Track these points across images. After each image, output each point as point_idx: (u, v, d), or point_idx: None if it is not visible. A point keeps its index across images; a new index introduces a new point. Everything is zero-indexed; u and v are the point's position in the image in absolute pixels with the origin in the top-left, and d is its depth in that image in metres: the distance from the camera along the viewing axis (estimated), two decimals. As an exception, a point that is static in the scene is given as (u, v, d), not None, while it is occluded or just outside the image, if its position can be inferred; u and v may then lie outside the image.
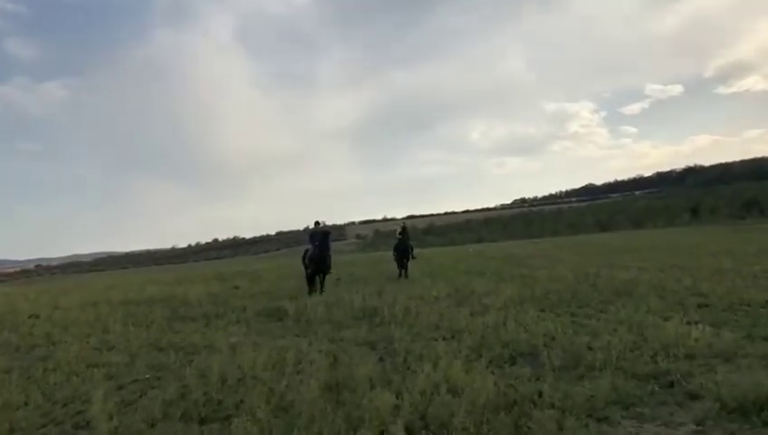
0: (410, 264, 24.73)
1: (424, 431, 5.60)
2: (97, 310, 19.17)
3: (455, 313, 12.87)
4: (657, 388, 6.41)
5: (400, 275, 24.21)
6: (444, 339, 10.25)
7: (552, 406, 5.97)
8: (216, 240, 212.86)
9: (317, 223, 19.79)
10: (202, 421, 6.36)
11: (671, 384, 6.56)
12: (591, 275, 18.72)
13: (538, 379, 7.27)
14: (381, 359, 9.13)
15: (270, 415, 6.11)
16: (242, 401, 6.79)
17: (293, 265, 41.94)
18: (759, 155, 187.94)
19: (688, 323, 9.97)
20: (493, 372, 7.63)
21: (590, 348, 8.58)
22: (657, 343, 8.49)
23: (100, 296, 25.91)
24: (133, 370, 9.29)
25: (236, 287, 24.86)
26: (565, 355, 8.22)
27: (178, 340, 11.92)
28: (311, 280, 19.36)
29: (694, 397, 6.07)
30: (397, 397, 6.45)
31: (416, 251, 26.25)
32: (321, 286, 19.26)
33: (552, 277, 19.06)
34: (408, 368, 8.14)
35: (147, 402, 7.11)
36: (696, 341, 8.30)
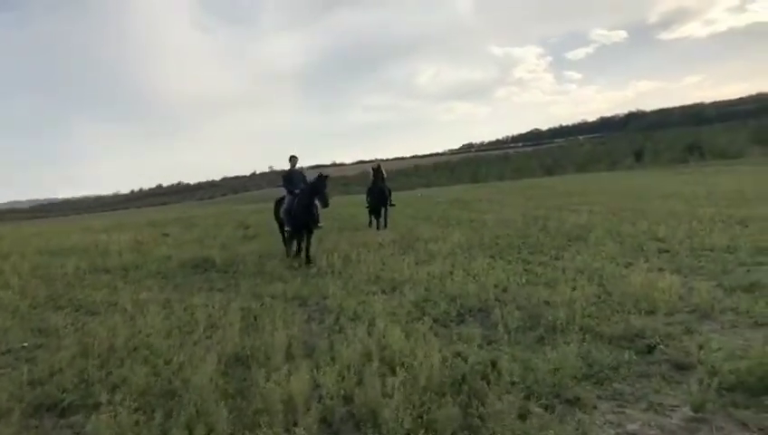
0: (390, 211, 19.64)
1: (343, 425, 4.39)
2: (3, 261, 17.25)
3: (398, 261, 11.69)
4: (634, 355, 5.32)
5: (372, 224, 19.62)
6: (384, 293, 9.08)
7: (511, 383, 4.82)
8: (159, 186, 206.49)
9: (292, 159, 14.05)
10: (62, 412, 4.98)
11: (649, 349, 5.50)
12: (541, 219, 17.80)
13: (490, 343, 6.14)
14: (310, 318, 7.88)
15: (147, 405, 4.79)
16: (123, 382, 5.41)
17: (234, 211, 40.20)
18: (698, 101, 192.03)
19: (651, 270, 9.05)
20: (437, 335, 6.48)
21: (547, 303, 7.51)
22: (622, 296, 7.49)
23: (17, 246, 23.76)
24: (11, 336, 7.76)
25: (166, 235, 23.07)
26: (521, 313, 7.12)
27: (82, 296, 10.37)
28: (290, 239, 13.90)
29: (681, 367, 5.00)
30: (317, 370, 5.22)
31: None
32: (307, 250, 13.21)
33: (500, 221, 18.07)
34: (340, 330, 6.90)
35: (5, 383, 5.63)
36: (665, 292, 7.30)
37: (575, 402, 4.43)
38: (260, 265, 12.58)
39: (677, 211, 17.21)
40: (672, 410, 4.19)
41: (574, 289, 8.03)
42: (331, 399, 4.66)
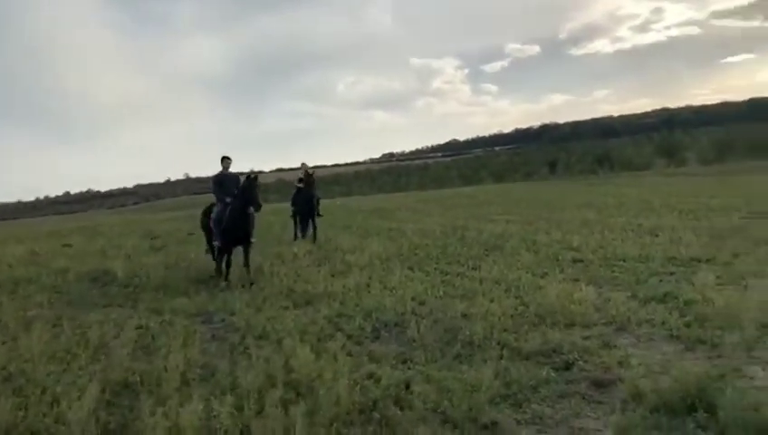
0: (318, 223, 17.41)
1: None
2: None
3: (313, 273, 11.23)
4: (552, 373, 5.08)
5: (299, 236, 17.40)
6: (297, 307, 8.62)
7: (424, 405, 4.46)
8: (67, 193, 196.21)
9: (225, 160, 11.90)
10: None
11: (567, 366, 5.29)
12: (460, 229, 17.73)
13: (405, 362, 5.79)
14: (213, 337, 7.31)
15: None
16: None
17: (144, 220, 38.48)
18: (606, 114, 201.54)
19: (566, 280, 9.00)
20: (350, 354, 6.07)
21: (465, 316, 7.25)
22: (539, 308, 7.33)
23: None
24: None
25: (67, 245, 21.65)
26: (438, 327, 6.83)
27: (-40, 316, 9.34)
28: (222, 253, 11.49)
29: (600, 385, 4.79)
30: (214, 398, 4.70)
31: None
32: (247, 266, 11.31)
33: (419, 231, 17.88)
34: (244, 350, 6.38)
35: None
36: (581, 304, 7.19)
37: (493, 429, 4.12)
38: (164, 278, 11.81)
39: (590, 220, 17.54)
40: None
41: (492, 301, 7.84)
42: (225, 433, 4.15)
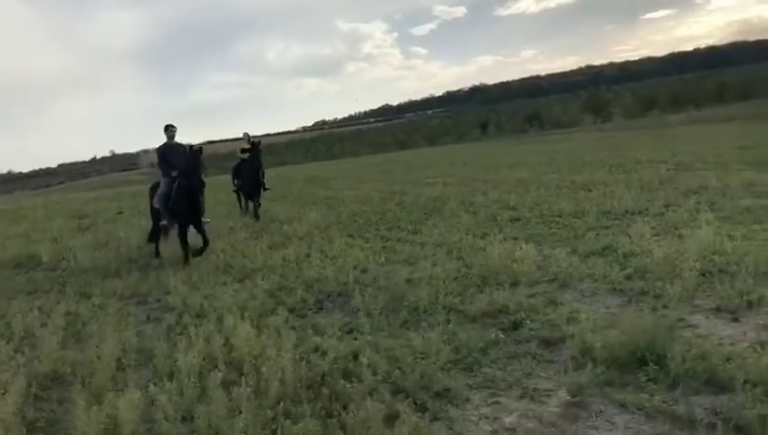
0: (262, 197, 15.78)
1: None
2: None
3: (251, 246, 10.91)
4: (501, 334, 5.02)
5: (246, 210, 16.25)
6: (237, 282, 8.32)
7: (374, 376, 4.33)
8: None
9: (169, 129, 10.74)
10: None
11: (515, 326, 5.24)
12: (398, 194, 17.65)
13: (351, 331, 5.64)
14: (148, 319, 6.97)
15: None
16: None
17: (70, 200, 36.81)
18: (534, 74, 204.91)
19: (506, 239, 9.00)
20: (293, 328, 5.88)
21: (409, 281, 7.14)
22: (482, 269, 7.28)
23: None
24: None
25: (-14, 231, 20.42)
26: (382, 294, 6.69)
27: None
28: (159, 232, 11.00)
29: (549, 343, 4.75)
30: (153, 384, 4.43)
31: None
32: (204, 243, 10.34)
33: (357, 198, 17.69)
34: (182, 331, 6.08)
35: None
36: (523, 262, 7.17)
37: (446, 395, 4.01)
38: (94, 260, 11.23)
39: (524, 179, 17.73)
40: (548, 396, 3.87)
41: (435, 265, 7.76)
42: (167, 420, 3.90)
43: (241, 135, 16.99)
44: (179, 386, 4.43)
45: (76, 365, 5.12)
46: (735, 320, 4.84)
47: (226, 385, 4.38)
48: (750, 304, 5.04)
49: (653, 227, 8.53)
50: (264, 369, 4.49)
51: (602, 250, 7.64)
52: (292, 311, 6.57)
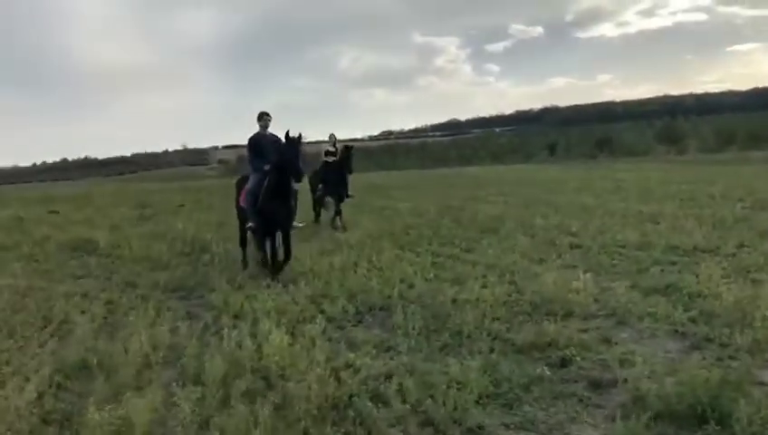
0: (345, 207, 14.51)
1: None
2: None
3: (300, 250, 10.74)
4: (546, 370, 4.65)
5: (320, 220, 14.83)
6: (281, 285, 8.17)
7: (404, 403, 4.04)
8: (64, 160, 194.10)
9: (264, 117, 9.32)
10: None
11: (563, 363, 4.86)
12: (455, 209, 17.28)
13: (388, 350, 5.37)
14: (188, 315, 6.88)
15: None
16: None
17: (138, 189, 37.92)
18: (608, 99, 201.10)
19: (564, 267, 8.57)
20: (330, 339, 5.66)
21: (454, 301, 6.82)
22: (534, 296, 6.90)
23: None
24: None
25: (54, 212, 21.16)
26: (425, 312, 6.40)
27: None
28: (262, 239, 9.33)
29: (598, 386, 4.35)
30: (177, 385, 4.26)
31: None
32: (287, 255, 9.02)
33: (414, 211, 17.41)
34: (217, 332, 5.94)
35: None
36: (578, 293, 6.75)
37: (479, 433, 3.69)
38: (147, 250, 11.35)
39: (589, 205, 17.08)
40: (591, 446, 3.52)
41: (484, 287, 7.40)
42: (182, 427, 3.72)
43: (327, 137, 15.17)
44: (203, 391, 4.26)
45: (104, 357, 5.02)
46: (812, 382, 4.33)
47: (251, 395, 4.18)
48: (829, 366, 4.51)
49: (723, 268, 7.93)
50: (291, 383, 4.27)
51: (666, 288, 7.12)
52: (330, 321, 6.35)
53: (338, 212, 14.16)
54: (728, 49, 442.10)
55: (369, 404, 4.01)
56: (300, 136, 8.57)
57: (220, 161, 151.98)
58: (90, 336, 5.67)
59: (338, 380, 4.41)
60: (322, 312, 6.66)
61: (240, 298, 7.28)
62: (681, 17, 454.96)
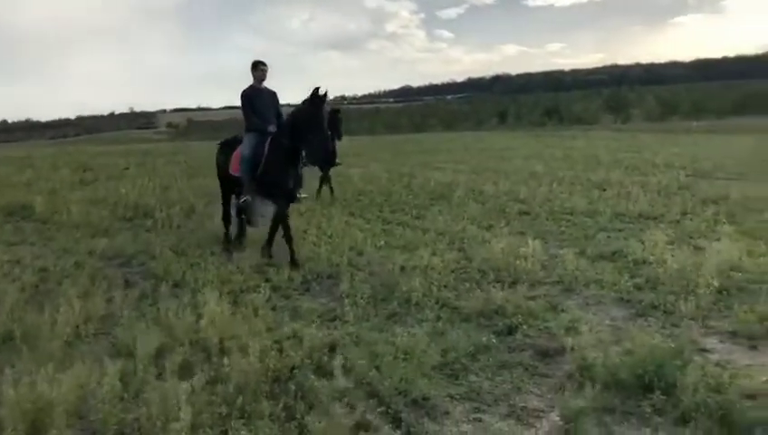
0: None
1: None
2: None
3: (248, 216, 10.48)
4: (493, 338, 4.59)
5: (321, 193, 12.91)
6: (226, 252, 7.92)
7: (348, 373, 3.92)
8: (4, 122, 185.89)
9: (260, 67, 7.76)
10: None
11: (510, 330, 4.81)
12: (407, 176, 17.16)
13: (334, 319, 5.23)
14: (126, 284, 6.58)
15: None
16: None
17: (80, 152, 36.50)
18: (558, 68, 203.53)
19: (513, 233, 8.58)
20: (274, 308, 5.50)
21: (403, 269, 6.72)
22: (483, 263, 6.85)
23: None
24: None
25: (-12, 177, 20.12)
26: (374, 280, 6.30)
27: None
28: (232, 213, 8.43)
29: (545, 355, 4.31)
30: (105, 358, 4.03)
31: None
32: (289, 239, 7.39)
33: (365, 177, 17.19)
34: (153, 302, 5.69)
35: None
36: (526, 260, 6.73)
37: (424, 405, 3.59)
38: (86, 216, 10.85)
39: (538, 172, 17.21)
40: (537, 418, 3.44)
41: (434, 254, 7.32)
42: (106, 404, 3.47)
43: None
44: (135, 364, 4.04)
45: (30, 329, 4.72)
46: (754, 347, 4.38)
47: (187, 369, 3.99)
48: (770, 331, 4.58)
49: (668, 235, 8.03)
50: (228, 356, 4.08)
51: (612, 254, 7.19)
52: (276, 290, 6.16)
53: (326, 179, 13.06)
54: (672, 21, 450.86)
55: (312, 377, 3.87)
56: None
57: (169, 125, 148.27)
58: (19, 307, 5.34)
59: (280, 351, 4.25)
60: (267, 280, 6.47)
61: (182, 266, 7.01)
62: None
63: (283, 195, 7.41)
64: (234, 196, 8.20)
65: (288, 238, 7.33)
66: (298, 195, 7.70)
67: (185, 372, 3.95)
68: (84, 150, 41.91)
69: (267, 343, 4.34)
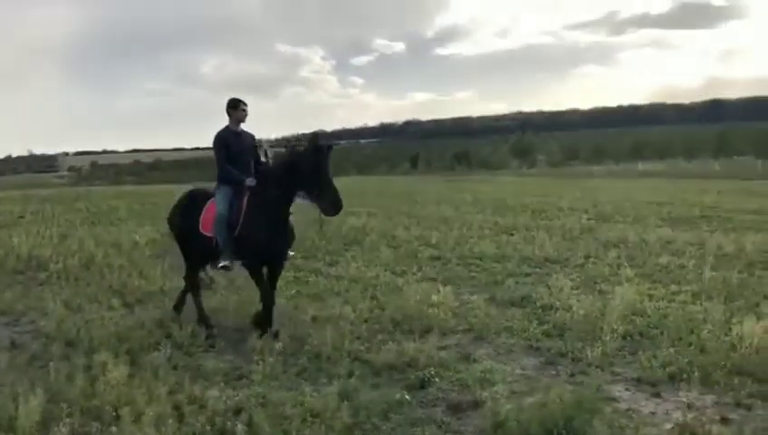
0: None
1: None
2: None
3: (153, 266, 10.02)
4: (406, 394, 4.48)
5: None
6: (125, 306, 7.50)
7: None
8: None
9: (241, 107, 6.74)
10: None
11: (422, 384, 4.74)
12: (319, 221, 16.98)
13: (240, 378, 5.00)
14: (13, 345, 6.07)
15: None
16: None
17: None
18: (466, 114, 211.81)
19: (424, 279, 8.61)
20: (175, 368, 5.21)
21: (315, 320, 6.57)
22: (396, 312, 6.79)
23: None
24: None
25: None
26: (283, 333, 6.09)
27: None
28: (199, 282, 7.22)
29: (457, 409, 4.25)
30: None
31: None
32: (268, 307, 6.32)
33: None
34: (43, 366, 5.24)
35: None
36: (438, 307, 6.74)
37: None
38: (-29, 269, 10.05)
39: (448, 217, 17.48)
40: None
41: (346, 303, 7.22)
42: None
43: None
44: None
45: None
46: (657, 395, 4.50)
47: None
48: (672, 377, 4.73)
49: (572, 280, 8.29)
50: (122, 426, 3.77)
51: (521, 300, 7.30)
52: (179, 347, 5.83)
53: None
54: (573, 71, 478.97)
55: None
56: (331, 147, 6.48)
57: (70, 168, 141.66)
58: None
59: (180, 418, 3.98)
60: (170, 337, 6.13)
61: (78, 323, 6.56)
62: (532, 39, 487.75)
63: (273, 256, 6.44)
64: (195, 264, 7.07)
65: (269, 302, 6.29)
66: (289, 253, 6.84)
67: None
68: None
69: (165, 409, 4.04)
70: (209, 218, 6.41)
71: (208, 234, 6.41)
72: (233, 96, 6.76)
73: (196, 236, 6.60)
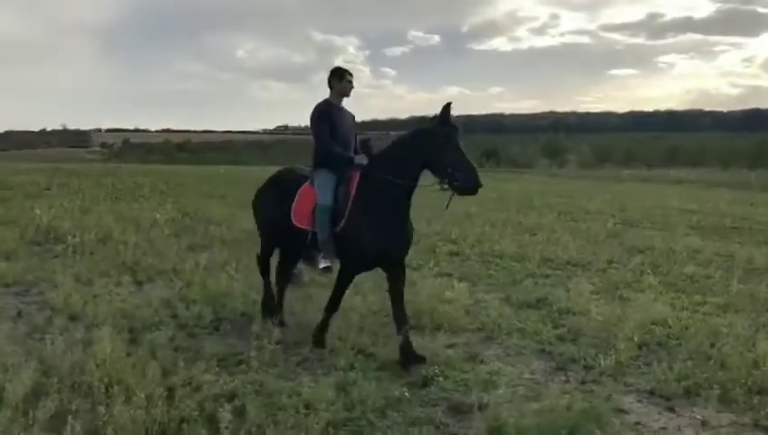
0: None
1: None
2: None
3: (168, 245, 9.98)
4: (406, 392, 4.32)
5: None
6: (135, 283, 7.46)
7: (242, 430, 3.56)
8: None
9: (347, 77, 5.82)
10: None
11: (425, 382, 4.57)
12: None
13: (240, 364, 4.88)
14: (18, 316, 6.03)
15: None
16: None
17: (2, 169, 34.75)
18: (498, 111, 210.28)
19: (440, 274, 8.41)
20: (177, 349, 5.10)
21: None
22: (407, 306, 6.57)
23: None
24: None
25: None
26: (290, 320, 6.00)
27: None
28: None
29: (459, 411, 4.04)
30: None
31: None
32: (403, 321, 5.26)
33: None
34: (42, 338, 5.16)
35: None
36: (451, 304, 6.55)
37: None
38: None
39: (471, 213, 17.21)
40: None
41: (357, 294, 7.02)
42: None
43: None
44: (4, 413, 3.57)
45: None
46: (671, 409, 4.26)
47: (61, 418, 3.55)
48: (687, 392, 4.48)
49: (593, 284, 8.03)
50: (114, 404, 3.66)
51: (537, 302, 7.07)
52: (182, 327, 5.74)
53: None
54: (608, 73, 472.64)
55: (203, 432, 3.49)
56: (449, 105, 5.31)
57: (102, 145, 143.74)
58: None
59: (170, 401, 3.85)
60: (176, 317, 6.04)
61: (84, 297, 6.49)
62: (568, 38, 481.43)
63: (388, 258, 5.39)
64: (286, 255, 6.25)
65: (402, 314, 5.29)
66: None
67: (57, 421, 3.51)
68: (6, 167, 39.99)
69: (158, 390, 3.92)
70: (305, 209, 5.42)
71: (304, 227, 5.43)
72: (337, 65, 5.87)
73: (285, 229, 5.61)
